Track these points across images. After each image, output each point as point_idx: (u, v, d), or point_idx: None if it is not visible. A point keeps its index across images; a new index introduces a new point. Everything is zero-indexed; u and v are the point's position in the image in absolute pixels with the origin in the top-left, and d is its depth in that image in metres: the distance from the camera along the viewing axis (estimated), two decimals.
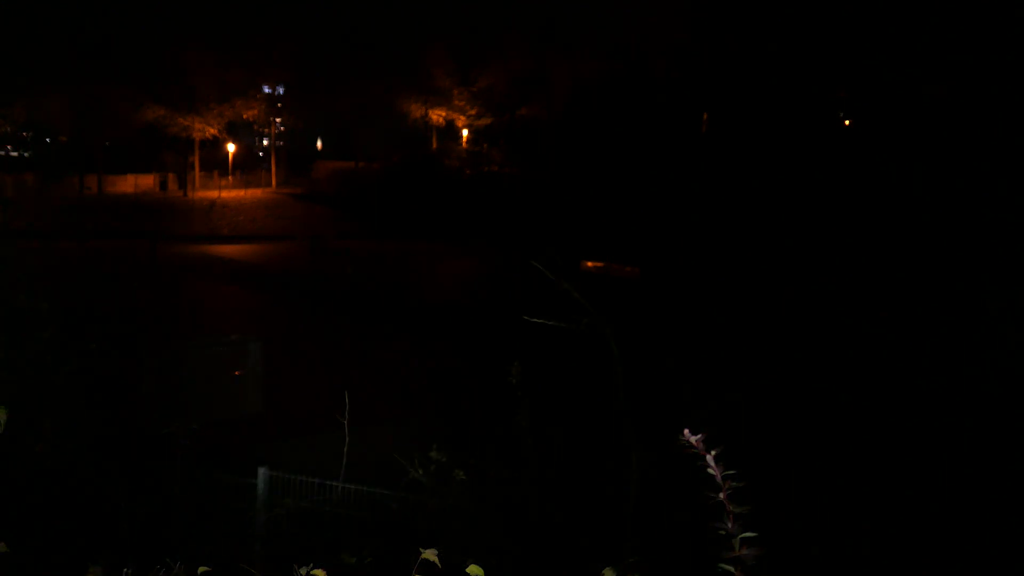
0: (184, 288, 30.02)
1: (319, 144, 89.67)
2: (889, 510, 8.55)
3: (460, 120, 67.32)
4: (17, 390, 6.20)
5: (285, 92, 70.07)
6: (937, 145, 34.34)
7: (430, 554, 2.34)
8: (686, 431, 2.09)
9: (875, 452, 12.11)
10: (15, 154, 69.77)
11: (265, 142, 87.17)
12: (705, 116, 51.15)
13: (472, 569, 2.28)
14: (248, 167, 74.20)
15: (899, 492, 9.41)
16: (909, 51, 37.32)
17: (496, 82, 64.06)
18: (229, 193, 64.28)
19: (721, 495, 1.98)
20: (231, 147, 66.89)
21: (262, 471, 8.17)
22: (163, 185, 66.47)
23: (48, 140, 69.19)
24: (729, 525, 1.93)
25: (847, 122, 46.57)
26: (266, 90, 68.29)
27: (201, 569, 2.53)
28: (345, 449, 4.43)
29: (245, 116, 65.51)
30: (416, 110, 66.84)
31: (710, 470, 2.00)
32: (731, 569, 1.91)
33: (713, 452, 2.01)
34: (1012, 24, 31.71)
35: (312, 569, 2.42)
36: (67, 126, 60.20)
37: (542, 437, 4.47)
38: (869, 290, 27.94)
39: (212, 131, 62.25)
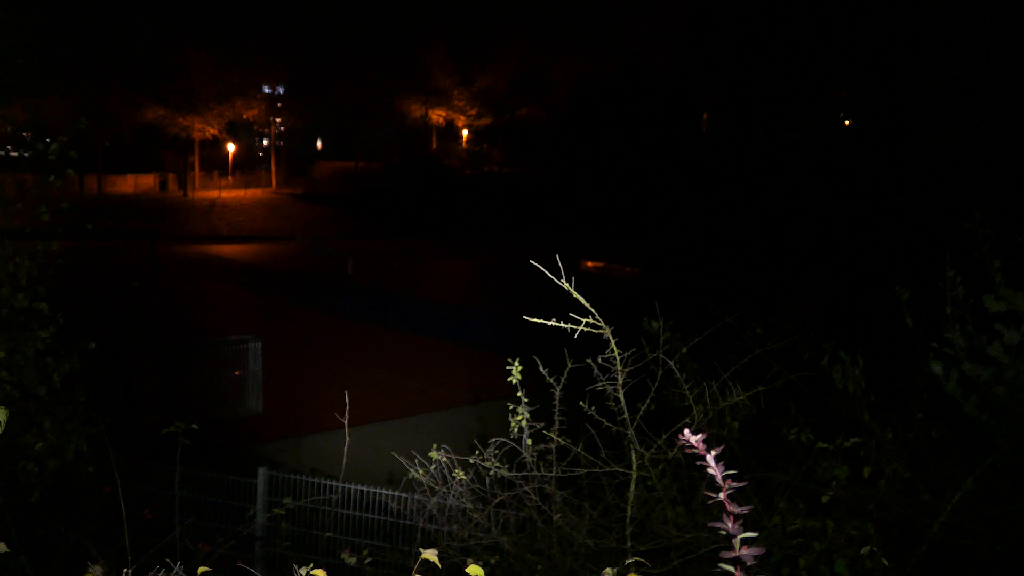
0: (184, 288, 30.03)
1: (319, 144, 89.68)
2: None
3: (460, 120, 67.40)
4: (17, 390, 6.20)
5: (285, 92, 70.11)
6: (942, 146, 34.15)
7: (430, 554, 2.34)
8: (686, 431, 2.08)
9: None
10: (15, 154, 69.78)
11: (265, 142, 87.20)
12: (705, 116, 51.15)
13: (472, 569, 2.28)
14: (248, 167, 74.26)
15: None
16: (909, 50, 37.27)
17: (496, 82, 64.13)
18: (229, 193, 64.31)
19: (721, 495, 1.98)
20: (231, 147, 66.93)
21: (262, 471, 8.19)
22: (163, 185, 66.50)
23: (48, 140, 69.15)
24: (729, 525, 1.93)
25: (847, 122, 46.51)
26: (266, 90, 68.34)
27: (201, 569, 2.53)
28: (345, 449, 4.44)
29: (245, 116, 65.59)
30: (416, 110, 66.91)
31: (710, 470, 1.99)
32: (731, 569, 1.90)
33: (713, 452, 2.00)
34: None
35: (312, 569, 2.41)
36: (67, 126, 60.23)
37: (541, 436, 4.48)
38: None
39: (212, 131, 62.33)
